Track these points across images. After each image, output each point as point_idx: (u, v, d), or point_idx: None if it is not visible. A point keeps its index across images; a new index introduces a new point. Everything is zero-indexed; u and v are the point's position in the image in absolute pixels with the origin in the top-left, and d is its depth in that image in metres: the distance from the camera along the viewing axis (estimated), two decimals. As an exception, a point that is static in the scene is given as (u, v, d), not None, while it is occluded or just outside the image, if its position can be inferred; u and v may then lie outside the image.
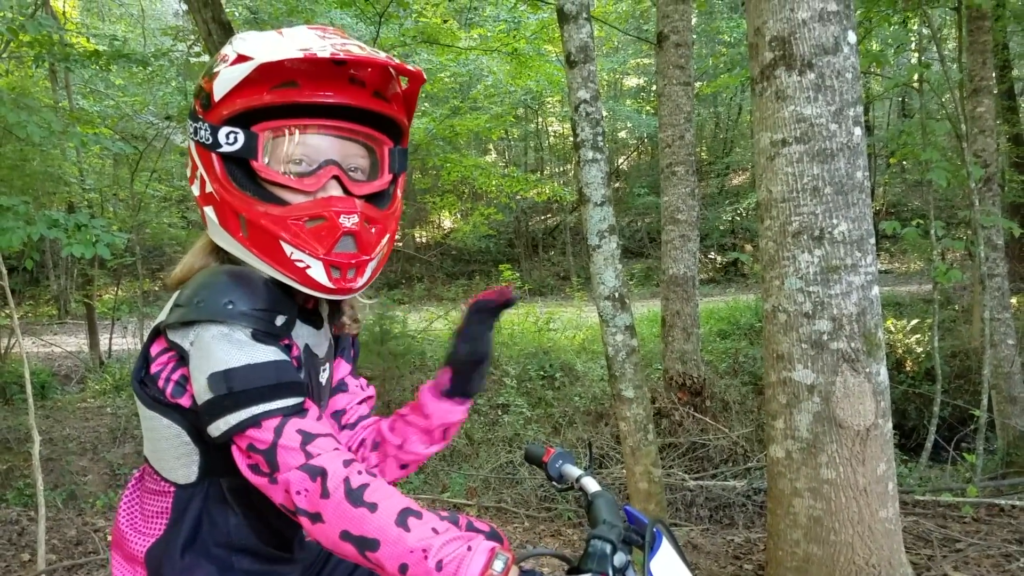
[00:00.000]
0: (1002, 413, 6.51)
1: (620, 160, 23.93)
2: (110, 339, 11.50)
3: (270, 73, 1.16)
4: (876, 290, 2.81)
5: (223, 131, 1.18)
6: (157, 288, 17.13)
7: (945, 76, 6.62)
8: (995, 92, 7.73)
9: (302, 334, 1.32)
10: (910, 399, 8.97)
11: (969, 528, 3.93)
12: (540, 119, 22.58)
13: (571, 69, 3.56)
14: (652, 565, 1.18)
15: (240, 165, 1.20)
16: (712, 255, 19.33)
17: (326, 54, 1.12)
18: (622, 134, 22.65)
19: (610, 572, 1.12)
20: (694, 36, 7.19)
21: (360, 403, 1.59)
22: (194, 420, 1.18)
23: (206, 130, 1.20)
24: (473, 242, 19.58)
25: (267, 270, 1.21)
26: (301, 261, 1.19)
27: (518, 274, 13.17)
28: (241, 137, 1.18)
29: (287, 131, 1.20)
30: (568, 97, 3.73)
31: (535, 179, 16.60)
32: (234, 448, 1.13)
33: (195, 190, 1.26)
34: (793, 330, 2.83)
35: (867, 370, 2.76)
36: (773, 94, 2.80)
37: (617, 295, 3.56)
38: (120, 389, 9.07)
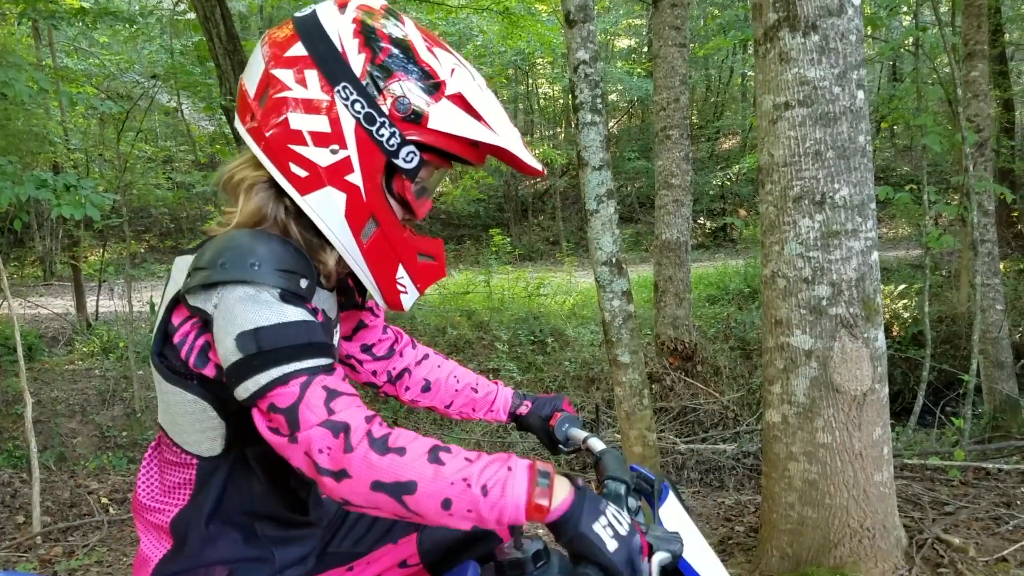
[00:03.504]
0: (989, 378, 6.58)
1: (611, 123, 23.77)
2: (97, 301, 11.39)
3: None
4: (876, 256, 2.81)
5: (407, 149, 1.21)
6: (143, 250, 16.99)
7: (941, 39, 6.57)
8: (988, 56, 7.69)
9: (319, 299, 1.30)
10: (896, 363, 9.05)
11: (957, 491, 3.98)
12: (530, 81, 22.31)
13: (570, 28, 3.50)
14: (661, 512, 1.24)
15: (387, 173, 1.23)
16: (701, 220, 19.29)
17: (530, 162, 1.35)
18: (613, 96, 22.46)
19: (625, 512, 1.13)
20: (689, -3, 7.11)
21: (384, 332, 1.67)
22: (218, 391, 1.16)
23: (394, 136, 1.19)
24: (463, 206, 19.44)
25: (360, 272, 1.26)
26: (404, 288, 1.29)
27: (508, 238, 13.12)
28: (416, 161, 1.22)
29: (438, 167, 1.30)
30: (567, 58, 3.67)
31: (525, 142, 16.41)
32: (255, 411, 1.10)
33: (321, 161, 1.19)
34: (792, 295, 2.82)
35: (865, 335, 2.77)
36: (776, 56, 2.77)
37: (614, 260, 3.54)
38: (108, 351, 9.01)
